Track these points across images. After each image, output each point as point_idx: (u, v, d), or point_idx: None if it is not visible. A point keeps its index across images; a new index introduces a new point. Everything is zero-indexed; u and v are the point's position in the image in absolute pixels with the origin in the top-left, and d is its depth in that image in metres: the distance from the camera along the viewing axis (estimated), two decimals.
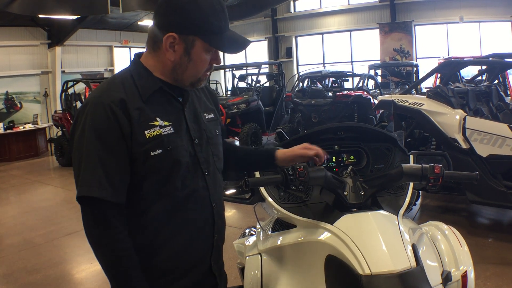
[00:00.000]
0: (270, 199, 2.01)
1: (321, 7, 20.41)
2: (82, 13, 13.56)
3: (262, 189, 2.04)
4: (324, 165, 2.11)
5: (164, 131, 1.55)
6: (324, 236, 1.71)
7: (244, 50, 1.67)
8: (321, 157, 1.90)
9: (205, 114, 1.78)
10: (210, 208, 1.70)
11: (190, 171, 1.63)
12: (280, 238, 2.01)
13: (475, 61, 7.95)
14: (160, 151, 1.53)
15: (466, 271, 2.08)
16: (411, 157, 2.13)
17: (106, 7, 12.03)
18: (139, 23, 17.85)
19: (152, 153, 1.52)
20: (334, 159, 2.20)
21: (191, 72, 1.60)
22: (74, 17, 14.17)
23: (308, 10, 20.71)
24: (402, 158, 2.16)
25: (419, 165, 1.74)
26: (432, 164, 1.72)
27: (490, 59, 7.00)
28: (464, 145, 4.73)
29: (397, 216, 1.78)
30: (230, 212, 6.64)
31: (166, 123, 1.57)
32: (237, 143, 11.60)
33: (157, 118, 1.56)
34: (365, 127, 2.32)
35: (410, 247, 1.57)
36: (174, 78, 1.62)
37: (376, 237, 1.57)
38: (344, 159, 2.20)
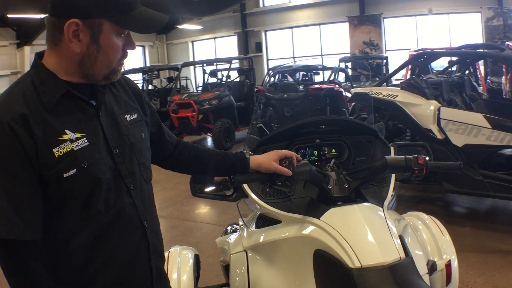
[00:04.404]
0: (253, 195, 1.96)
1: (290, 1, 20.47)
2: None
3: (245, 185, 1.99)
4: (307, 159, 2.11)
5: (77, 146, 1.30)
6: (311, 230, 1.70)
7: (158, 29, 1.44)
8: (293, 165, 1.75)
9: (126, 116, 1.53)
10: (141, 228, 1.49)
11: (112, 189, 1.39)
12: (266, 234, 1.97)
13: (449, 53, 8.01)
14: (75, 170, 1.29)
15: (449, 260, 2.14)
16: (392, 148, 2.12)
17: None
18: None
19: (65, 175, 1.28)
20: (315, 152, 2.18)
21: (103, 63, 1.36)
22: (43, 15, 13.85)
23: (277, 4, 20.77)
24: (383, 150, 2.15)
25: (403, 156, 1.73)
26: (415, 155, 1.72)
27: (463, 50, 7.05)
28: (439, 136, 4.74)
29: (383, 207, 1.78)
30: (205, 209, 6.56)
31: (78, 135, 1.32)
32: (210, 139, 11.51)
33: (67, 131, 1.30)
34: (346, 119, 2.32)
35: (398, 239, 1.58)
36: (84, 73, 1.36)
37: (364, 230, 1.58)
38: (326, 152, 2.19)
